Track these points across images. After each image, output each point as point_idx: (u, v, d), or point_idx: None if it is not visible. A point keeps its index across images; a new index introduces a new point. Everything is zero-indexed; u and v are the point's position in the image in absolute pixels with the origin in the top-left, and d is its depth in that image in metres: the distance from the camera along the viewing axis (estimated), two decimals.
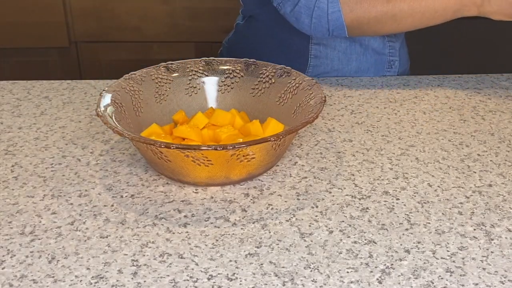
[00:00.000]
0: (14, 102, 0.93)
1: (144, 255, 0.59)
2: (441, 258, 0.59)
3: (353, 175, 0.73)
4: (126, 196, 0.68)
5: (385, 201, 0.68)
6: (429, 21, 0.94)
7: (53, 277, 0.56)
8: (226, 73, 0.82)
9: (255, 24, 1.10)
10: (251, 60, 0.82)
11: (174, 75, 0.81)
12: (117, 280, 0.56)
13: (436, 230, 0.63)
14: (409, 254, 0.59)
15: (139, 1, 1.89)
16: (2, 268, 0.57)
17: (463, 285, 0.55)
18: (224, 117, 0.76)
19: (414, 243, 0.61)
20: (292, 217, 0.65)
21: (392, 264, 0.58)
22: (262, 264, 0.58)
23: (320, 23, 0.94)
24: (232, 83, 0.82)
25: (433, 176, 0.73)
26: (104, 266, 0.57)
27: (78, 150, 0.78)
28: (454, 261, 0.58)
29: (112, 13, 1.91)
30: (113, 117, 0.69)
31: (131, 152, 0.78)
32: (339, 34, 0.96)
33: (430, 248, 0.60)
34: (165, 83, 0.80)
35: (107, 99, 0.72)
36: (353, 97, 0.95)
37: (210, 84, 0.82)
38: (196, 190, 0.69)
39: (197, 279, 0.56)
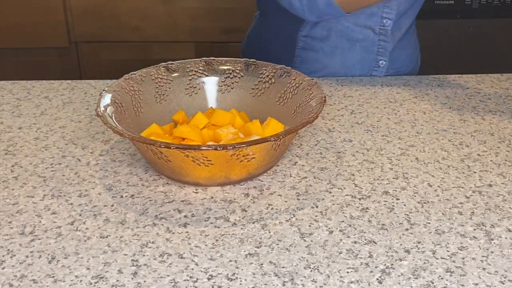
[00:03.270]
0: (14, 102, 0.93)
1: (144, 255, 0.59)
2: (441, 258, 0.59)
3: (353, 175, 0.73)
4: (126, 196, 0.68)
5: (385, 201, 0.68)
6: None
7: (53, 277, 0.56)
8: (226, 73, 0.82)
9: (263, 16, 1.15)
10: (251, 60, 0.82)
11: (174, 75, 0.81)
12: (117, 280, 0.56)
13: (436, 230, 0.63)
14: (409, 254, 0.59)
15: (139, 1, 1.89)
16: (2, 268, 0.57)
17: (463, 285, 0.55)
18: (224, 117, 0.76)
19: (414, 243, 0.61)
20: (292, 217, 0.65)
21: (392, 264, 0.58)
22: (262, 264, 0.58)
23: (311, 5, 0.96)
24: (232, 83, 0.82)
25: (433, 176, 0.73)
26: (104, 266, 0.57)
27: (78, 150, 0.78)
28: (454, 261, 0.58)
29: (112, 13, 1.91)
30: (113, 117, 0.69)
31: (131, 152, 0.78)
32: (335, 13, 0.96)
33: (430, 248, 0.60)
34: (165, 83, 0.80)
35: (107, 99, 0.72)
36: (353, 97, 0.95)
37: (210, 84, 0.82)
38: (196, 190, 0.69)
39: (197, 279, 0.56)
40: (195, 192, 0.69)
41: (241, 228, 0.63)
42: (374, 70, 1.08)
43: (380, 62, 1.07)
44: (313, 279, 0.56)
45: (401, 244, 0.61)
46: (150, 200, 0.68)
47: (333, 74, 1.07)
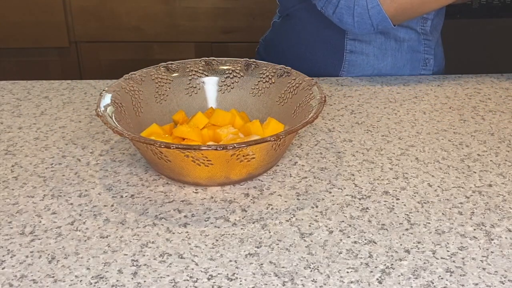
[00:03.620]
0: (14, 102, 0.93)
1: (144, 255, 0.59)
2: (441, 258, 0.59)
3: (353, 175, 0.73)
4: (126, 196, 0.68)
5: (385, 201, 0.68)
6: None
7: (53, 277, 0.56)
8: (226, 73, 0.82)
9: (291, 21, 1.12)
10: (251, 60, 0.82)
11: (174, 75, 0.81)
12: (117, 280, 0.56)
13: (436, 230, 0.63)
14: (409, 254, 0.59)
15: (139, 1, 1.89)
16: (2, 268, 0.57)
17: (463, 285, 0.55)
18: (224, 117, 0.76)
19: (414, 243, 0.61)
20: (292, 217, 0.65)
21: (392, 264, 0.58)
22: (262, 264, 0.58)
23: (362, 20, 0.96)
24: (232, 83, 0.82)
25: (433, 176, 0.73)
26: (104, 266, 0.57)
27: (78, 150, 0.78)
28: (454, 261, 0.58)
29: (112, 13, 1.91)
30: (113, 117, 0.69)
31: (131, 152, 0.78)
32: (384, 27, 0.97)
33: (430, 248, 0.60)
34: (165, 83, 0.80)
35: (107, 99, 0.72)
36: (353, 97, 0.95)
37: (210, 84, 0.82)
38: (196, 190, 0.69)
39: (197, 279, 0.56)
40: (195, 192, 0.69)
41: (241, 228, 0.63)
42: (422, 69, 1.09)
43: (427, 60, 1.08)
44: (313, 279, 0.56)
45: (401, 244, 0.61)
46: (150, 200, 0.68)
47: (383, 75, 1.06)
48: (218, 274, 0.56)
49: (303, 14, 1.08)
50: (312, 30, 1.08)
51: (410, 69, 1.07)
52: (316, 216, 0.65)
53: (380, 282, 0.55)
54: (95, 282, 0.55)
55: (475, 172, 0.74)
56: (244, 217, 0.65)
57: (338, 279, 0.56)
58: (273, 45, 1.16)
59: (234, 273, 0.56)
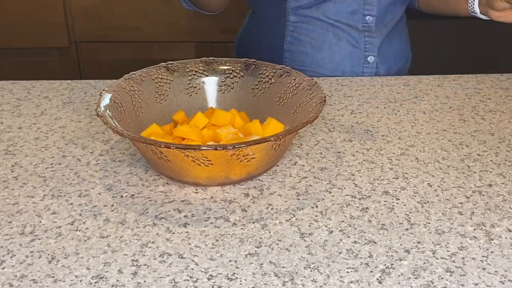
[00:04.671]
0: (14, 102, 0.93)
1: (144, 255, 0.59)
2: (441, 258, 0.59)
3: (353, 175, 0.73)
4: (126, 196, 0.68)
5: (385, 201, 0.68)
6: None
7: (53, 277, 0.56)
8: (226, 73, 0.82)
9: (253, 13, 1.19)
10: (251, 60, 0.82)
11: (174, 75, 0.81)
12: (117, 280, 0.56)
13: (436, 230, 0.63)
14: (409, 254, 0.59)
15: (139, 1, 1.89)
16: (2, 268, 0.57)
17: (463, 285, 0.55)
18: (224, 117, 0.76)
19: (414, 243, 0.61)
20: (292, 217, 0.65)
21: (392, 264, 0.58)
22: (262, 264, 0.58)
23: None
24: (232, 83, 0.82)
25: (433, 176, 0.73)
26: (104, 266, 0.57)
27: (78, 150, 0.78)
28: (454, 261, 0.58)
29: (112, 13, 1.91)
30: (113, 117, 0.69)
31: (131, 152, 0.78)
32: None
33: (430, 248, 0.60)
34: (165, 83, 0.80)
35: (107, 99, 0.72)
36: (353, 97, 0.95)
37: (210, 84, 0.82)
38: (196, 190, 0.69)
39: (197, 279, 0.56)
40: (195, 192, 0.69)
41: (241, 228, 0.63)
42: (364, 67, 1.09)
43: (369, 58, 1.09)
44: (313, 279, 0.56)
45: (401, 244, 0.61)
46: (150, 200, 0.68)
47: (323, 70, 1.08)
48: (218, 274, 0.56)
49: (257, 4, 1.14)
50: (263, 21, 1.13)
51: (350, 65, 1.09)
52: (316, 216, 0.65)
53: (380, 282, 0.55)
54: (95, 282, 0.55)
55: (475, 172, 0.74)
56: (244, 217, 0.65)
57: (338, 279, 0.56)
58: (241, 40, 1.22)
59: (234, 273, 0.56)
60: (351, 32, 1.06)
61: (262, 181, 0.71)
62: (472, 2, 0.96)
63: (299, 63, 1.09)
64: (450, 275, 0.56)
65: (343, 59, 1.08)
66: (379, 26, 1.07)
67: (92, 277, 0.56)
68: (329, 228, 0.63)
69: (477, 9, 0.95)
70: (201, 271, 0.57)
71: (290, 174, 0.73)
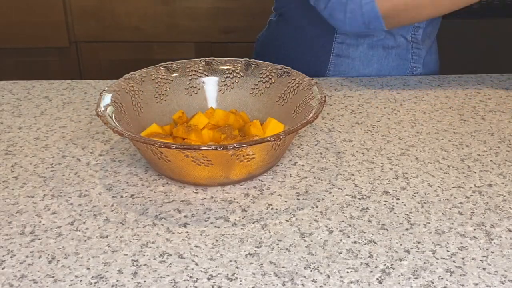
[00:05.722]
0: (14, 102, 0.93)
1: (144, 255, 0.59)
2: (441, 258, 0.59)
3: (353, 175, 0.73)
4: (126, 196, 0.68)
5: (385, 201, 0.68)
6: (465, 1, 0.91)
7: (53, 277, 0.56)
8: (226, 73, 0.82)
9: (284, 20, 1.12)
10: (251, 60, 0.82)
11: (174, 75, 0.81)
12: (117, 280, 0.56)
13: (436, 230, 0.63)
14: (409, 254, 0.59)
15: (139, 1, 1.89)
16: (2, 268, 0.57)
17: (463, 285, 0.55)
18: (224, 117, 0.76)
19: (414, 243, 0.61)
20: (292, 217, 0.65)
21: (392, 264, 0.58)
22: (262, 264, 0.58)
23: (354, 17, 0.93)
24: (232, 83, 0.82)
25: (433, 176, 0.73)
26: (104, 266, 0.57)
27: (78, 150, 0.78)
28: (454, 261, 0.58)
29: (112, 13, 1.91)
30: (113, 117, 0.69)
31: (131, 152, 0.78)
32: (375, 27, 0.93)
33: (430, 248, 0.60)
34: (165, 83, 0.80)
35: (107, 99, 0.72)
36: (353, 97, 0.95)
37: (210, 84, 0.82)
38: (196, 190, 0.69)
39: (197, 279, 0.56)
40: (195, 192, 0.69)
41: (241, 228, 0.63)
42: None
43: (415, 68, 1.07)
44: (313, 279, 0.56)
45: (401, 244, 0.61)
46: (150, 200, 0.68)
47: None
48: (218, 274, 0.56)
49: (295, 13, 1.08)
50: (302, 30, 1.08)
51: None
52: (316, 216, 0.65)
53: (380, 282, 0.55)
54: (95, 282, 0.55)
55: (475, 172, 0.74)
56: (244, 217, 0.65)
57: (338, 279, 0.56)
58: (267, 43, 1.17)
59: (234, 273, 0.56)
60: (400, 42, 1.04)
61: (262, 181, 0.71)
62: None
63: (344, 75, 1.06)
64: (450, 275, 0.56)
65: (390, 72, 1.06)
66: (424, 38, 1.07)
67: (92, 277, 0.56)
68: (329, 228, 0.63)
69: None
70: (201, 271, 0.57)
71: (290, 174, 0.73)
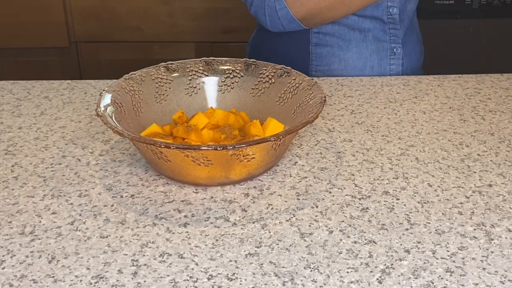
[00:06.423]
0: (14, 102, 0.93)
1: (144, 255, 0.59)
2: (441, 258, 0.59)
3: (353, 175, 0.73)
4: (126, 196, 0.68)
5: (385, 201, 0.68)
6: None
7: (53, 277, 0.56)
8: (226, 73, 0.82)
9: None
10: (251, 60, 0.82)
11: (174, 75, 0.81)
12: (117, 280, 0.56)
13: (436, 230, 0.63)
14: (409, 254, 0.59)
15: (139, 1, 1.89)
16: (2, 268, 0.57)
17: (463, 285, 0.55)
18: (224, 117, 0.76)
19: (414, 243, 0.61)
20: (292, 217, 0.65)
21: (392, 264, 0.58)
22: (262, 264, 0.58)
23: (273, 20, 1.01)
24: (232, 83, 0.82)
25: (433, 176, 0.73)
26: (104, 266, 0.57)
27: (78, 150, 0.78)
28: (454, 261, 0.58)
29: (112, 13, 1.91)
30: (113, 117, 0.69)
31: (131, 152, 0.78)
32: (294, 28, 1.02)
33: (430, 248, 0.60)
34: (165, 83, 0.80)
35: (107, 99, 0.72)
36: (353, 97, 0.95)
37: (210, 84, 0.82)
38: (196, 190, 0.70)
39: (197, 279, 0.56)
40: (195, 192, 0.69)
41: (241, 228, 0.63)
42: (391, 58, 1.09)
43: (395, 49, 1.09)
44: (313, 279, 0.56)
45: (401, 244, 0.61)
46: (150, 200, 0.68)
47: (352, 66, 1.08)
48: (218, 274, 0.56)
49: None
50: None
51: (378, 59, 1.08)
52: (316, 216, 0.65)
53: (380, 282, 0.55)
54: (95, 282, 0.55)
55: (475, 172, 0.74)
56: (244, 217, 0.65)
57: (338, 279, 0.56)
58: (257, 45, 1.19)
59: (234, 273, 0.56)
60: (376, 26, 1.07)
61: (262, 181, 0.71)
62: None
63: (326, 64, 1.08)
64: (450, 275, 0.56)
65: (371, 54, 1.08)
66: (402, 16, 1.09)
67: (92, 277, 0.56)
68: (329, 228, 0.63)
69: None
70: (201, 271, 0.57)
71: (290, 174, 0.73)
